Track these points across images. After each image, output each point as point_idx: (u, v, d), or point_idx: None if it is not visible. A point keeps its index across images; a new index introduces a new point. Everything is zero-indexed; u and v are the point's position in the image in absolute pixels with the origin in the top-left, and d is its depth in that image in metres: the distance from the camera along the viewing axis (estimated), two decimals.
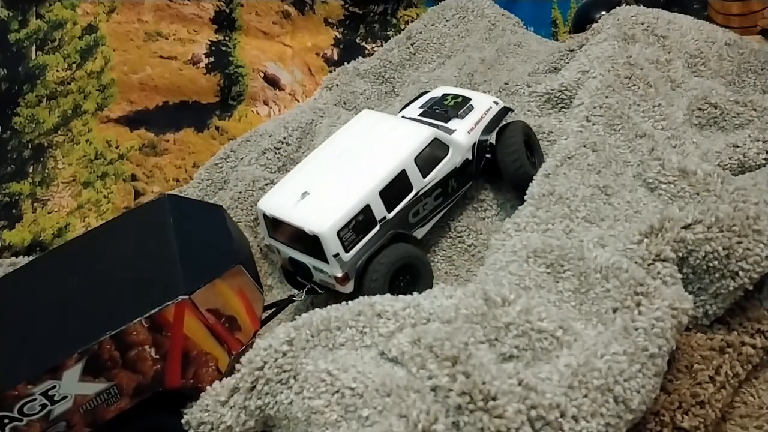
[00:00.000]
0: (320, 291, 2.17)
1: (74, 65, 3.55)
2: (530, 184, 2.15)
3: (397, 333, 1.62)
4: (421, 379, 1.47)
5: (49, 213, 3.46)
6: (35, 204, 3.46)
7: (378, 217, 2.08)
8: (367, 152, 2.19)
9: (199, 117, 3.77)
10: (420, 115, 2.43)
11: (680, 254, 1.74)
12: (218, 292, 1.90)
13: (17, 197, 3.43)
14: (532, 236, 1.93)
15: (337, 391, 1.55)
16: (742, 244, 1.71)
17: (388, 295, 1.77)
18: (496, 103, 2.47)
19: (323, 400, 1.55)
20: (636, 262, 1.71)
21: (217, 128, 3.79)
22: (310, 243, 2.03)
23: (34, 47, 3.49)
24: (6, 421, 1.73)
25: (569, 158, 2.16)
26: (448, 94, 2.51)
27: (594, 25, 2.87)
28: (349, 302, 1.76)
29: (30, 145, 3.46)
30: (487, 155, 2.35)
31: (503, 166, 2.30)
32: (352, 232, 2.02)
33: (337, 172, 2.16)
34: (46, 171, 3.49)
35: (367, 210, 2.05)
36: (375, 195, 2.07)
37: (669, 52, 2.65)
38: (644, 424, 1.59)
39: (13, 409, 1.73)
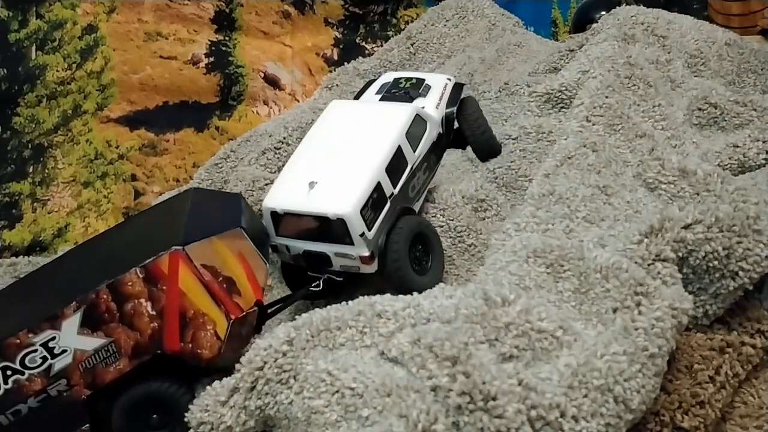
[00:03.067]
0: (339, 279, 2.15)
1: (74, 65, 3.55)
2: (530, 184, 2.15)
3: (397, 333, 1.62)
4: (421, 379, 1.47)
5: (49, 213, 3.46)
6: (35, 204, 3.46)
7: (387, 194, 2.12)
8: (359, 137, 2.22)
9: (199, 117, 3.77)
10: (380, 100, 2.45)
11: (680, 254, 1.74)
12: (215, 251, 1.89)
13: (17, 197, 3.43)
14: (532, 236, 1.93)
15: (337, 391, 1.55)
16: (742, 244, 1.71)
17: (387, 295, 1.77)
18: (449, 79, 2.54)
19: (323, 400, 1.55)
20: (636, 262, 1.71)
21: (217, 128, 3.79)
22: (332, 229, 2.04)
23: (34, 47, 3.49)
24: (9, 372, 1.77)
25: (569, 158, 2.16)
26: (400, 78, 2.55)
27: (594, 25, 2.87)
28: (349, 302, 1.76)
29: (30, 145, 3.46)
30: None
31: (471, 136, 2.50)
32: (371, 210, 2.06)
33: (337, 159, 2.17)
34: (46, 171, 3.49)
35: (378, 187, 2.09)
36: (382, 172, 2.12)
37: (669, 52, 2.65)
38: (644, 424, 1.59)
39: (15, 359, 1.77)
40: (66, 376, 1.79)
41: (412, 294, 1.93)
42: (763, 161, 2.28)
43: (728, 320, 1.80)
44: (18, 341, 1.77)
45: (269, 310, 2.08)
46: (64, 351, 1.78)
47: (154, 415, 1.84)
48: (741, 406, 1.72)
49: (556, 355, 1.58)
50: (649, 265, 1.71)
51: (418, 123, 2.28)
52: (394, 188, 2.15)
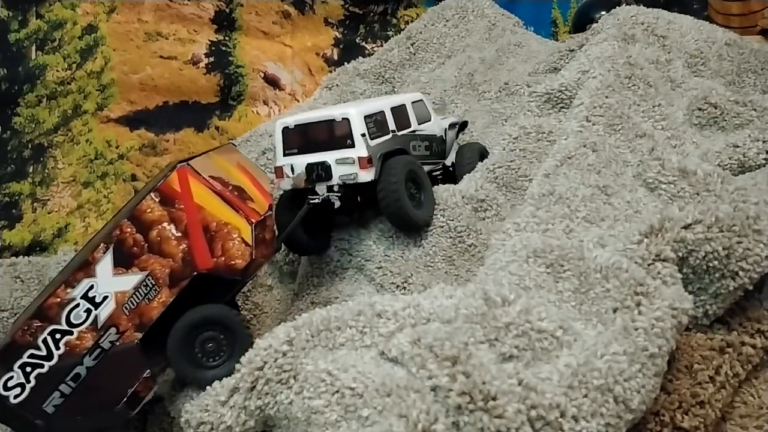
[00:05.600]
0: (337, 194, 2.26)
1: (74, 65, 3.55)
2: (530, 184, 2.16)
3: (397, 333, 1.62)
4: (421, 379, 1.47)
5: (49, 213, 3.47)
6: (35, 204, 3.46)
7: (390, 127, 2.34)
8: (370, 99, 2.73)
9: (199, 117, 3.77)
10: None
11: (680, 254, 1.74)
12: (217, 164, 1.97)
13: (17, 197, 3.43)
14: (532, 236, 1.93)
15: (337, 391, 1.55)
16: (742, 244, 1.71)
17: (388, 296, 1.78)
18: (451, 115, 2.86)
19: (323, 400, 1.55)
20: (636, 262, 1.71)
21: (217, 128, 3.79)
22: (336, 131, 2.23)
23: (34, 47, 3.49)
24: (58, 336, 1.78)
25: (569, 158, 2.16)
26: None
27: (594, 25, 2.87)
28: (350, 302, 1.76)
29: (30, 145, 3.47)
30: (450, 168, 2.65)
31: (457, 167, 2.63)
32: (374, 125, 2.28)
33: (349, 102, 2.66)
34: (46, 171, 3.49)
35: (382, 114, 2.33)
36: (387, 108, 2.36)
37: (669, 52, 2.65)
38: (644, 424, 1.59)
39: (61, 319, 1.78)
40: (114, 323, 1.79)
41: (409, 225, 2.28)
42: (763, 161, 2.27)
43: (728, 320, 1.80)
44: (58, 300, 1.78)
45: (277, 235, 2.12)
46: (105, 297, 1.79)
47: (209, 344, 1.86)
48: (741, 406, 1.72)
49: (556, 355, 1.58)
50: (649, 265, 1.71)
51: (423, 108, 2.53)
52: (396, 130, 2.35)
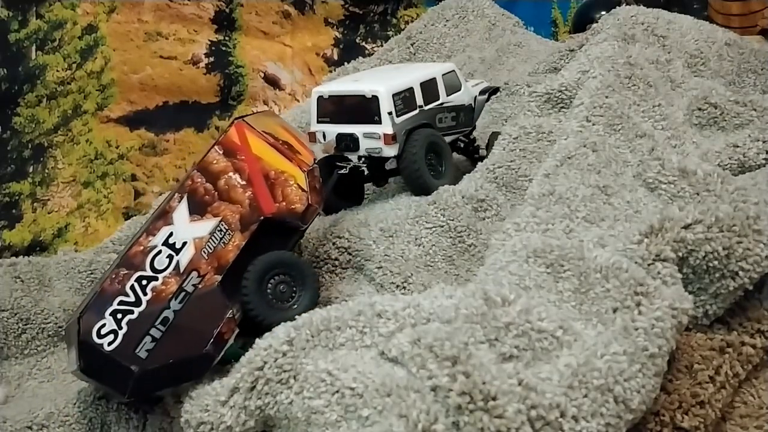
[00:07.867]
0: (363, 165, 2.46)
1: (74, 65, 3.56)
2: (530, 184, 2.16)
3: (397, 333, 1.62)
4: (421, 379, 1.47)
5: (49, 213, 3.47)
6: (35, 204, 3.46)
7: (417, 103, 2.48)
8: (406, 67, 2.86)
9: (199, 117, 3.78)
10: None
11: (680, 254, 1.74)
12: (264, 122, 2.14)
13: (17, 197, 3.43)
14: (532, 236, 1.93)
15: (337, 391, 1.54)
16: (742, 244, 1.71)
17: (388, 296, 1.78)
18: (483, 82, 2.93)
19: (323, 400, 1.55)
20: (636, 262, 1.71)
21: (217, 128, 3.80)
22: (365, 108, 2.40)
23: (34, 47, 3.50)
24: (144, 282, 1.90)
25: (569, 158, 2.17)
26: None
27: (594, 25, 2.88)
28: (349, 302, 1.76)
29: (30, 145, 3.47)
30: (476, 155, 2.77)
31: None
32: (401, 103, 2.43)
33: (383, 72, 2.77)
34: (46, 171, 3.50)
35: (411, 91, 2.47)
36: (417, 84, 2.50)
37: (669, 52, 2.66)
38: (644, 424, 1.59)
39: (146, 266, 1.91)
40: (195, 267, 1.93)
41: (430, 194, 2.40)
42: (763, 161, 2.28)
43: (728, 320, 1.80)
44: (141, 248, 1.92)
45: None
46: (184, 243, 1.93)
47: (281, 287, 2.02)
48: (741, 406, 1.72)
49: (556, 355, 1.58)
50: (649, 265, 1.71)
51: (454, 79, 2.63)
52: (424, 105, 2.49)
